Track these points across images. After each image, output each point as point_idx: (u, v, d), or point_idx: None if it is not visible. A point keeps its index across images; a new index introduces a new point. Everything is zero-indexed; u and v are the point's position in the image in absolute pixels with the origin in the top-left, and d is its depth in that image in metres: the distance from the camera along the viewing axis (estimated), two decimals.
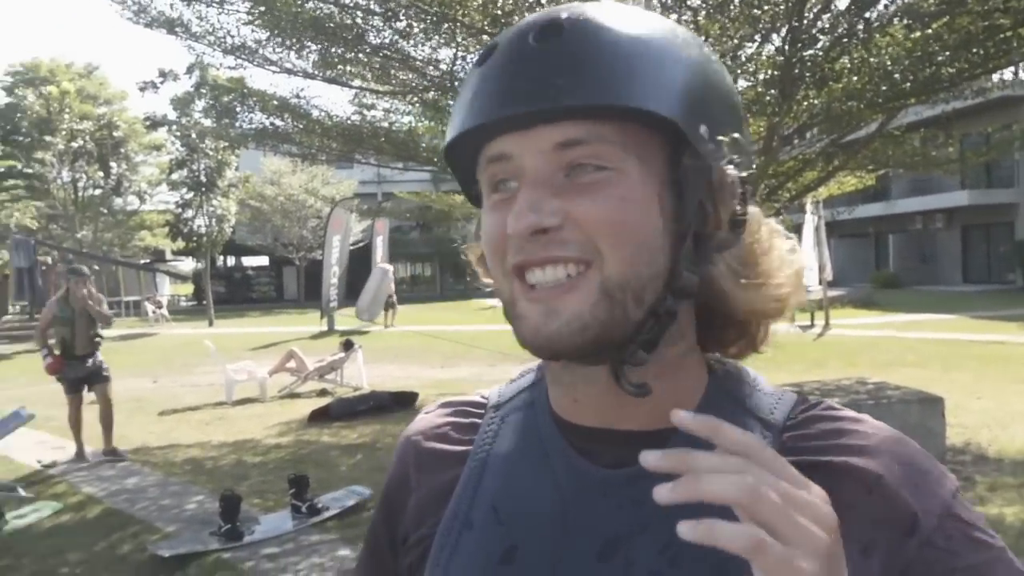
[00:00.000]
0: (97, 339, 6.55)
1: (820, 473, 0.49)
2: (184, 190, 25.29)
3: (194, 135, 22.87)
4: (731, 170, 0.54)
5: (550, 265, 0.52)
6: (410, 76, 5.12)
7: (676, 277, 0.53)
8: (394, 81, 5.25)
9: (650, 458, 0.42)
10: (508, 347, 13.95)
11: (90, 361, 6.55)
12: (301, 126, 5.81)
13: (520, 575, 0.55)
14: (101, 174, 22.73)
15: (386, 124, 6.12)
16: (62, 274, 6.49)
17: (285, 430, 7.75)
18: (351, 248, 20.88)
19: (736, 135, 0.55)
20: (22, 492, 5.68)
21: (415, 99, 5.54)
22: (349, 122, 5.94)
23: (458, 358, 13.53)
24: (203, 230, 24.80)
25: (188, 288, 49.77)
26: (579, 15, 0.53)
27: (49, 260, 18.76)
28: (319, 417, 8.04)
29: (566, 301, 0.52)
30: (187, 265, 34.27)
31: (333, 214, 19.37)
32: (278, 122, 6.02)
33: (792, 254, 0.59)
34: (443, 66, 5.03)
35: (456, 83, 4.81)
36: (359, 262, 21.16)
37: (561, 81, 0.50)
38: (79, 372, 6.51)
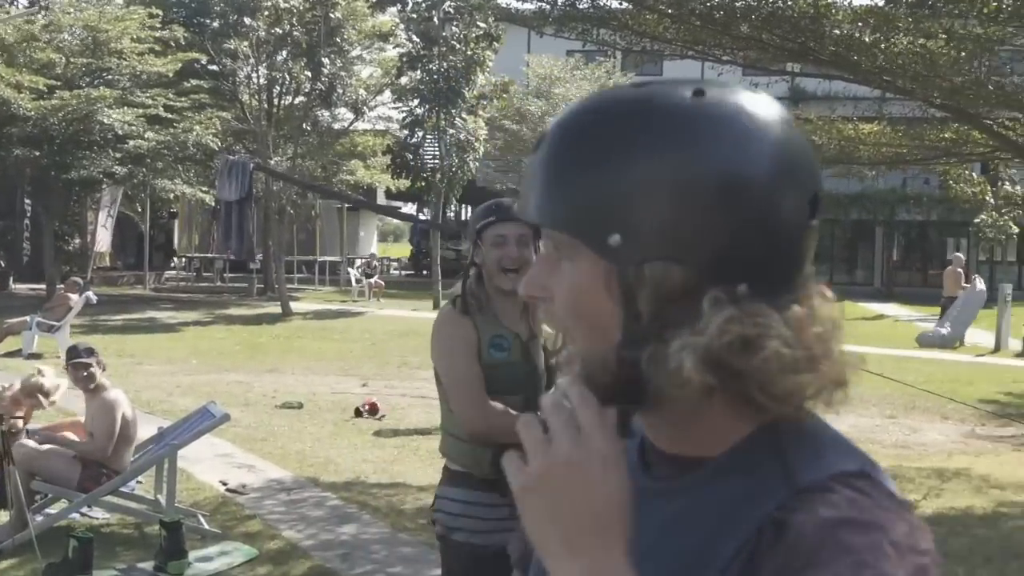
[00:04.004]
0: None
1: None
2: (415, 102, 27.14)
3: (437, 19, 24.51)
4: (655, 268, 0.96)
5: None
6: None
7: (620, 352, 1.00)
8: None
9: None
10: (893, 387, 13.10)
11: None
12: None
13: None
14: (308, 74, 25.28)
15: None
16: None
17: None
18: None
19: (676, 231, 0.95)
20: (205, 524, 6.47)
21: None
22: None
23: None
24: (437, 162, 26.51)
25: (403, 250, 54.19)
26: (553, 125, 1.04)
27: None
28: None
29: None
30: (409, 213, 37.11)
31: None
32: None
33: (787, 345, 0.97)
34: None
35: None
36: None
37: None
38: None
